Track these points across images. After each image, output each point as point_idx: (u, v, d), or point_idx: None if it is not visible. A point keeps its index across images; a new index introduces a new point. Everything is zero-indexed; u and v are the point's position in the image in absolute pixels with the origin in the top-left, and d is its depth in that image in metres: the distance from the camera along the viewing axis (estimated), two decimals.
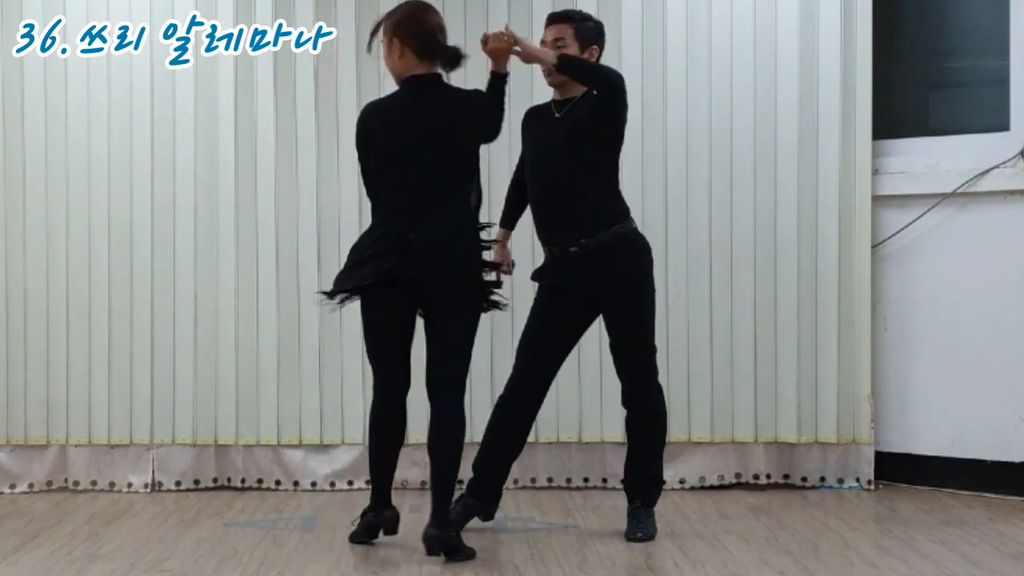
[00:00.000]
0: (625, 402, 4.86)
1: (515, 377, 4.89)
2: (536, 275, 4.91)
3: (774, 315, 5.74)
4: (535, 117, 4.95)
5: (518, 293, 5.42)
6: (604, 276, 4.75)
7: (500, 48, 4.60)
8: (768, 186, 5.74)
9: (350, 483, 5.79)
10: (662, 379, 5.53)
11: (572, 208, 4.72)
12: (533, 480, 5.79)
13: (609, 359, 4.88)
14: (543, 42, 4.82)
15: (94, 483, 5.81)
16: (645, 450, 4.86)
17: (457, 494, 4.72)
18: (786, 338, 5.73)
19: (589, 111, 4.71)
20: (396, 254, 4.45)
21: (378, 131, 4.59)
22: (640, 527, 4.81)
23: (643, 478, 4.87)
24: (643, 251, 4.82)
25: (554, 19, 4.86)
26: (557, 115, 4.81)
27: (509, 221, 5.07)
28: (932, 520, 5.14)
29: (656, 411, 4.84)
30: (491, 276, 4.68)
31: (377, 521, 4.73)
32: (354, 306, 5.75)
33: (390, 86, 5.63)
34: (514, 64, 4.70)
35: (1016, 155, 5.55)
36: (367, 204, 5.64)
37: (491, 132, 4.63)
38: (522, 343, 4.92)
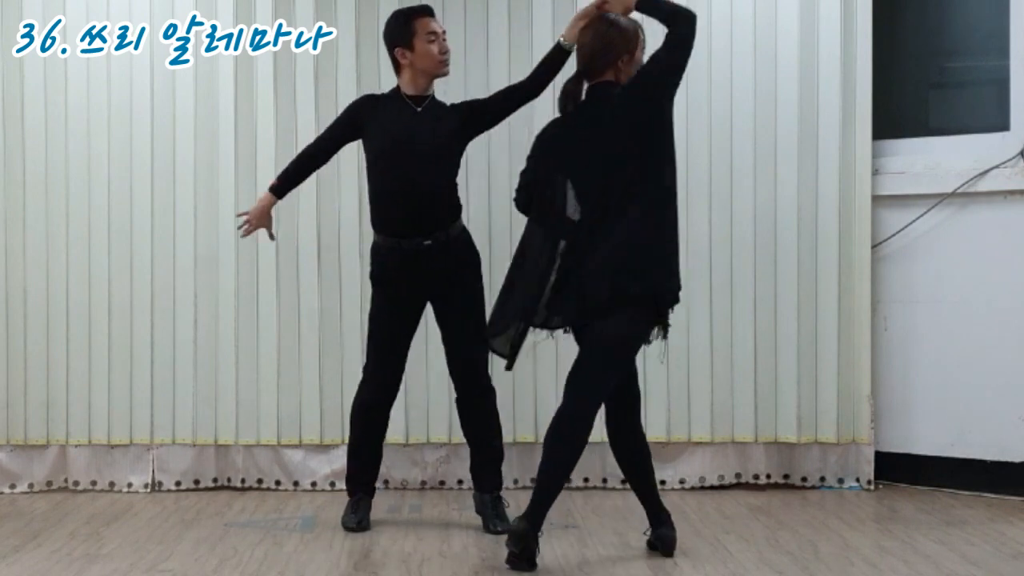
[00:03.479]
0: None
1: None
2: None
3: (774, 315, 5.73)
4: (379, 105, 4.96)
5: None
6: (451, 268, 4.88)
7: None
8: (768, 186, 5.74)
9: None
10: (663, 380, 5.52)
11: (433, 203, 4.84)
12: (533, 480, 5.77)
13: None
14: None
15: (94, 483, 5.81)
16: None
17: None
18: (786, 338, 5.72)
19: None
20: None
21: None
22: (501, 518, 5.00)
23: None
24: (473, 245, 4.99)
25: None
26: (418, 109, 4.88)
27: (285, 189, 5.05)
28: (932, 520, 5.14)
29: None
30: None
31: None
32: (352, 302, 5.77)
33: (389, 86, 5.64)
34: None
35: (1016, 155, 5.54)
36: (367, 204, 5.60)
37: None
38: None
